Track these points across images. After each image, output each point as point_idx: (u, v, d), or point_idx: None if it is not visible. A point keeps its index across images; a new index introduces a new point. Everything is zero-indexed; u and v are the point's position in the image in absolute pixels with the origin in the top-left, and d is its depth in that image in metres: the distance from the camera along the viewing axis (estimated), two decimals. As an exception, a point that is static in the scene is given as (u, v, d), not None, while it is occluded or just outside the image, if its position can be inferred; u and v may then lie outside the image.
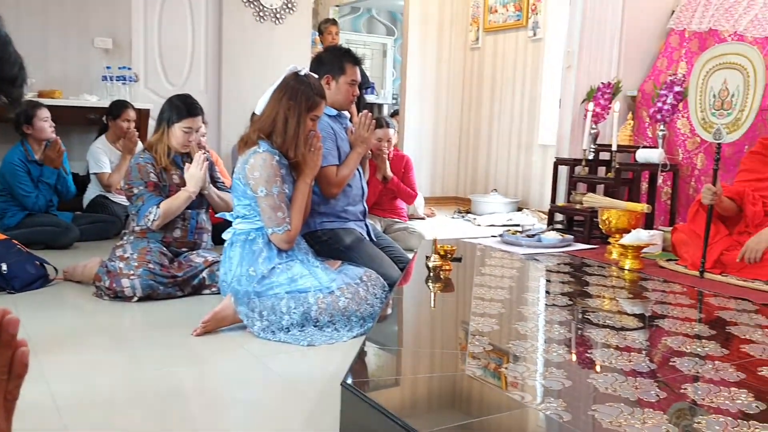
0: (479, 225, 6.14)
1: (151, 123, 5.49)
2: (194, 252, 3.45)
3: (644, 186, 4.99)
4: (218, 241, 3.42)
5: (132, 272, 3.16)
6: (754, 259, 3.37)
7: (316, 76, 3.20)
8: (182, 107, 3.46)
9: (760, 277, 3.32)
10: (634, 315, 2.67)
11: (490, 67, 7.68)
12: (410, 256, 3.68)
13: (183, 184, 3.43)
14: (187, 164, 3.47)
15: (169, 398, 2.11)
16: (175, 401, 2.10)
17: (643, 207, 3.90)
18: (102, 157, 4.92)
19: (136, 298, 3.15)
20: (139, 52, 6.13)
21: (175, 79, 6.31)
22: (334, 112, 3.48)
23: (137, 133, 4.93)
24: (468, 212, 6.91)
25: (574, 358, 2.14)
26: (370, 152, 3.88)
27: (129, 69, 5.83)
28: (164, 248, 3.37)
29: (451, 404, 1.87)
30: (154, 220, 3.31)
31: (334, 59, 3.48)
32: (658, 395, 1.78)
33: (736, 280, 3.33)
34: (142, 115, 5.45)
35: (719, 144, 3.43)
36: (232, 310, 2.75)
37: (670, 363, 2.07)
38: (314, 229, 3.37)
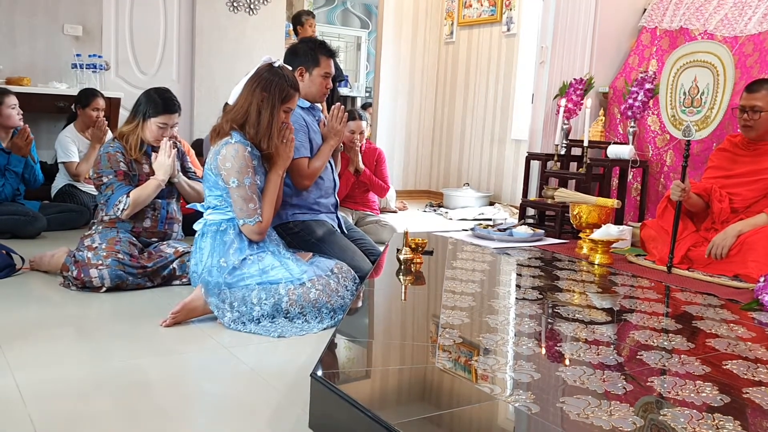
0: (451, 219, 6.16)
1: (122, 112, 5.43)
2: (164, 242, 3.42)
3: (615, 182, 5.04)
4: (189, 231, 3.39)
5: (100, 262, 3.12)
6: (720, 255, 3.42)
7: (290, 67, 3.19)
8: (159, 103, 3.41)
9: (725, 272, 3.37)
10: (603, 309, 2.70)
11: (464, 62, 7.69)
12: (381, 248, 3.68)
13: (153, 173, 3.40)
14: (154, 153, 3.43)
15: (137, 389, 2.10)
16: (143, 392, 2.08)
17: (613, 202, 3.94)
18: (70, 146, 4.85)
19: (104, 289, 3.12)
20: (110, 40, 6.06)
21: (146, 68, 6.24)
22: (307, 104, 3.46)
23: (106, 122, 4.88)
24: (440, 206, 6.93)
25: (543, 351, 2.15)
26: (342, 145, 3.87)
27: (100, 57, 5.75)
28: (134, 238, 3.33)
29: (421, 396, 1.88)
30: (123, 209, 3.28)
31: (308, 51, 3.46)
32: (625, 388, 1.80)
33: (703, 275, 3.38)
34: (112, 103, 5.38)
35: (689, 141, 3.47)
36: (202, 301, 2.74)
37: (638, 356, 2.09)
38: (286, 220, 3.36)
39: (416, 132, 8.10)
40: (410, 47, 7.92)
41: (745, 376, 1.96)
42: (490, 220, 5.69)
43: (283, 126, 3.03)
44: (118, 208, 3.28)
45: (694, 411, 1.66)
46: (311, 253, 3.17)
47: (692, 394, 1.78)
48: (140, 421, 1.89)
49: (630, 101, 4.85)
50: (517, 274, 3.39)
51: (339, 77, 6.42)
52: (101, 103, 4.96)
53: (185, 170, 3.62)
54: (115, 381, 2.14)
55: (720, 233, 3.48)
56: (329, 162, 3.51)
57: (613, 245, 3.78)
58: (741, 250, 3.36)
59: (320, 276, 2.88)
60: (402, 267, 3.12)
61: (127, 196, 3.28)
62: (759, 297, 2.87)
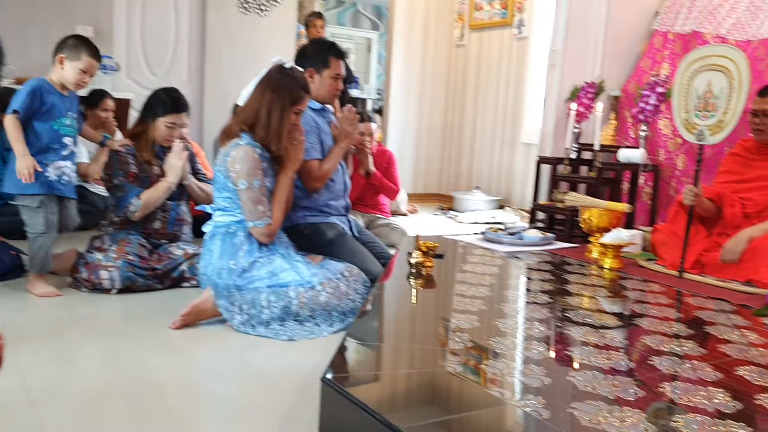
0: (461, 222, 6.14)
1: (132, 113, 5.44)
2: (174, 244, 3.42)
3: (625, 186, 5.02)
4: (198, 233, 3.39)
5: (111, 264, 3.13)
6: (731, 261, 3.40)
7: (301, 69, 3.18)
8: (168, 102, 3.42)
9: (737, 278, 3.35)
10: (614, 314, 2.68)
11: (475, 65, 7.68)
12: (392, 252, 3.67)
13: (163, 175, 3.40)
14: (166, 155, 3.44)
15: (147, 391, 2.10)
16: (152, 395, 2.08)
17: (624, 206, 3.92)
18: (80, 146, 4.85)
19: (114, 290, 3.12)
20: (121, 41, 6.07)
21: (157, 69, 6.25)
22: (318, 105, 3.46)
23: (116, 124, 4.88)
24: (450, 209, 6.91)
25: (553, 355, 2.14)
26: (353, 147, 3.87)
27: (110, 58, 5.76)
28: (144, 240, 3.34)
29: (431, 400, 1.87)
30: (134, 211, 3.28)
31: (318, 52, 3.46)
32: (636, 393, 1.78)
33: (714, 280, 3.36)
34: (122, 104, 5.39)
35: (701, 145, 3.45)
36: (211, 303, 2.73)
37: (649, 362, 2.08)
38: (296, 223, 3.36)
39: (426, 134, 8.10)
40: (421, 50, 7.92)
41: (758, 383, 1.95)
42: (500, 223, 5.67)
43: (293, 128, 3.03)
44: (129, 210, 3.28)
45: (706, 417, 1.65)
46: (321, 256, 3.17)
47: (704, 400, 1.76)
48: (150, 422, 1.89)
49: (641, 105, 4.83)
50: (527, 278, 3.37)
51: (349, 79, 6.42)
52: (110, 103, 4.95)
53: (195, 172, 3.63)
54: (124, 383, 2.14)
55: (731, 239, 3.45)
56: (340, 164, 3.51)
57: (624, 249, 3.76)
58: (753, 256, 3.33)
59: (330, 279, 2.87)
60: (412, 270, 3.12)
61: (138, 198, 3.29)
62: (771, 302, 2.85)
